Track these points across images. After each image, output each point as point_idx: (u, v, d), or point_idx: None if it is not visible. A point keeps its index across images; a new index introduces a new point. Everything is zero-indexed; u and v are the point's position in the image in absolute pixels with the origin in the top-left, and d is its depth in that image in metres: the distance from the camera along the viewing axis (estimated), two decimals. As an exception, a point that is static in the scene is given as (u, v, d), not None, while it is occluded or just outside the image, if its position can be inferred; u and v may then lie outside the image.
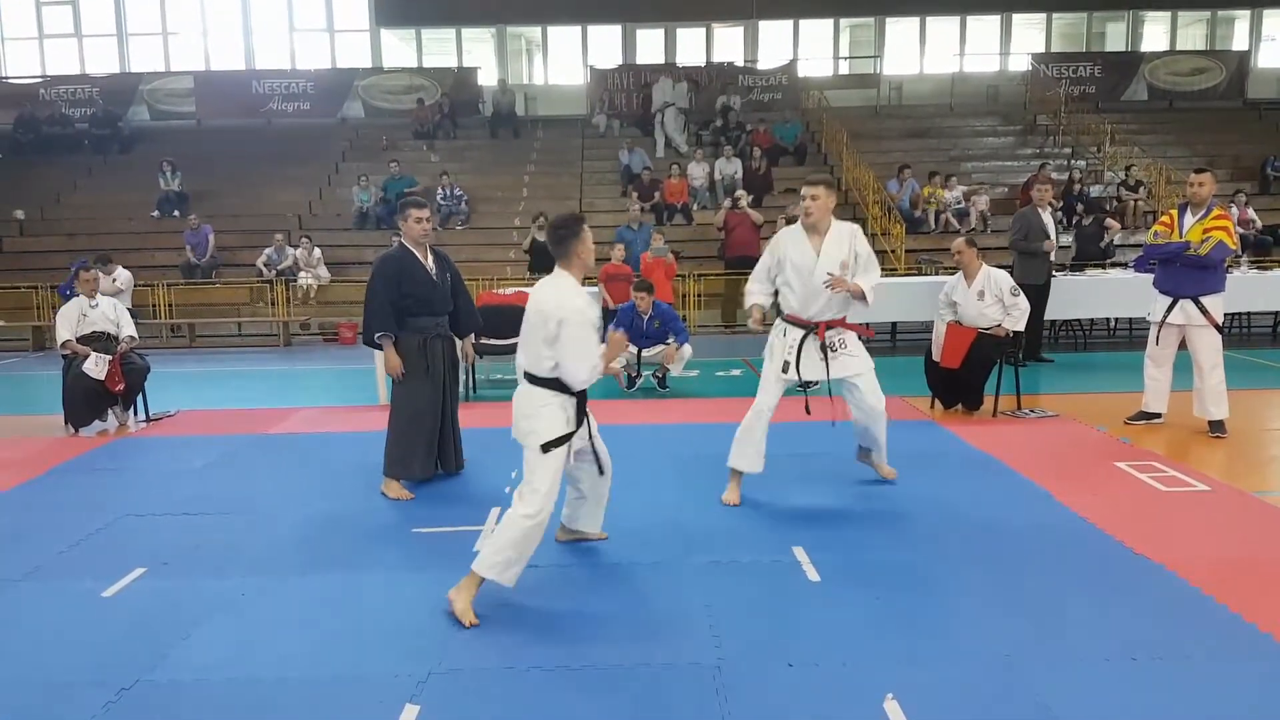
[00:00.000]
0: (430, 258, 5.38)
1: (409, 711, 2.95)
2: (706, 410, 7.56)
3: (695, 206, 15.12)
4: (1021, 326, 6.96)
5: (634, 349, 8.23)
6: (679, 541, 4.42)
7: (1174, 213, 6.44)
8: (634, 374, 8.39)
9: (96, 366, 7.01)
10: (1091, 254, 12.34)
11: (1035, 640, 3.34)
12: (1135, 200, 14.82)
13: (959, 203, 14.63)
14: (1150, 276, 6.65)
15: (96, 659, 3.35)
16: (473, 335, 5.88)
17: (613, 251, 10.44)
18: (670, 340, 8.16)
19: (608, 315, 9.66)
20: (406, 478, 5.35)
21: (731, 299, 12.91)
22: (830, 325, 4.89)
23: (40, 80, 19.57)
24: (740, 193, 13.09)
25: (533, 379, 3.80)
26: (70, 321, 7.23)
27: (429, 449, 5.43)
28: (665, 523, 4.70)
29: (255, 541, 4.56)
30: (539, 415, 3.75)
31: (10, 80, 19.99)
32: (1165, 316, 6.37)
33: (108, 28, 20.78)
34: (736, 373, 9.51)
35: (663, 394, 8.29)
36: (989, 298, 6.91)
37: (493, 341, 8.50)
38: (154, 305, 12.98)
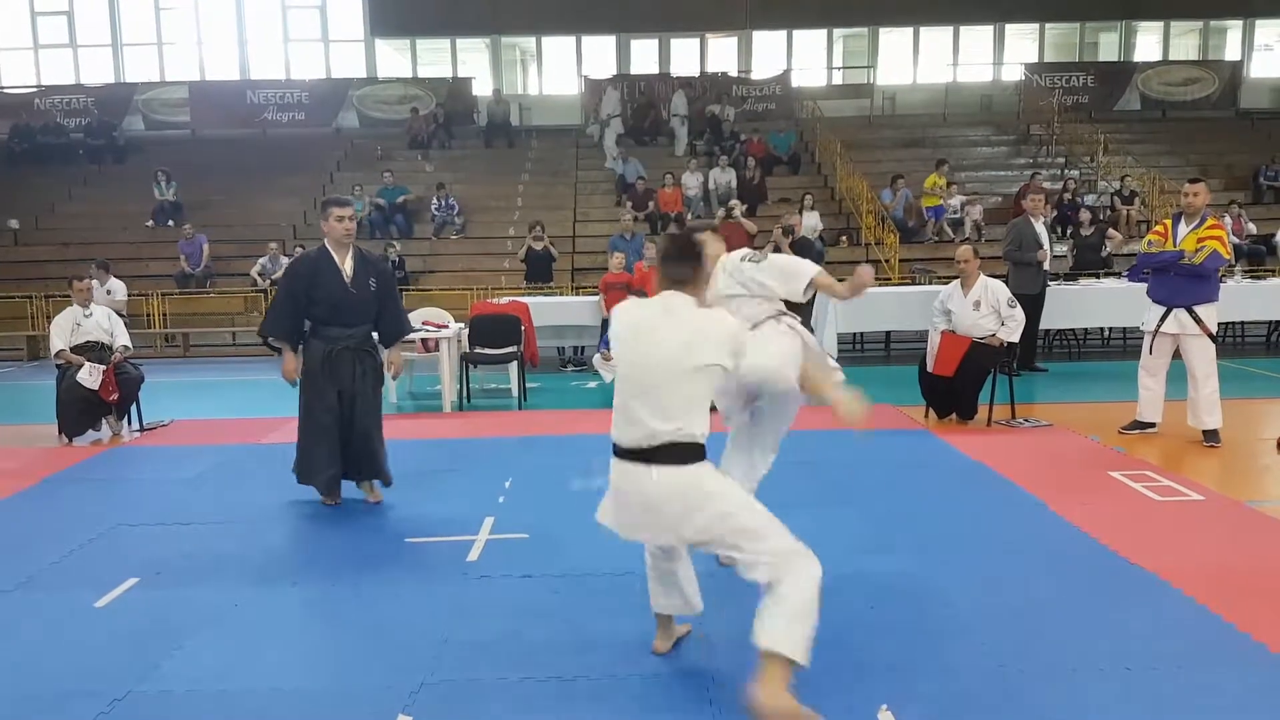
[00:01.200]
0: (350, 263, 5.07)
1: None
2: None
3: (690, 216, 15.13)
4: (1016, 338, 6.99)
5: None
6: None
7: (1168, 223, 6.46)
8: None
9: (90, 376, 6.99)
10: (1092, 263, 12.39)
11: (1029, 650, 3.33)
12: (1129, 210, 14.88)
13: (955, 211, 14.68)
14: (1144, 286, 6.67)
15: (88, 669, 3.33)
16: (399, 345, 5.49)
17: (610, 261, 10.45)
18: None
19: (605, 324, 9.67)
20: (311, 485, 5.22)
21: None
22: None
23: (35, 90, 19.57)
24: (734, 202, 13.11)
25: (676, 452, 2.91)
26: (64, 331, 7.22)
27: (329, 461, 5.13)
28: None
29: (248, 551, 4.54)
30: (718, 493, 2.94)
31: (5, 90, 19.98)
32: (1159, 326, 6.37)
33: (103, 38, 20.77)
34: (731, 382, 9.50)
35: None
36: (985, 308, 6.94)
37: (486, 351, 8.50)
38: (148, 315, 12.95)
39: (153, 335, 12.87)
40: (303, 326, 5.12)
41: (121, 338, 7.44)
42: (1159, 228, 6.55)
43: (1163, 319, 6.35)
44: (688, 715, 2.96)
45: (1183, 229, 6.30)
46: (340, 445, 5.15)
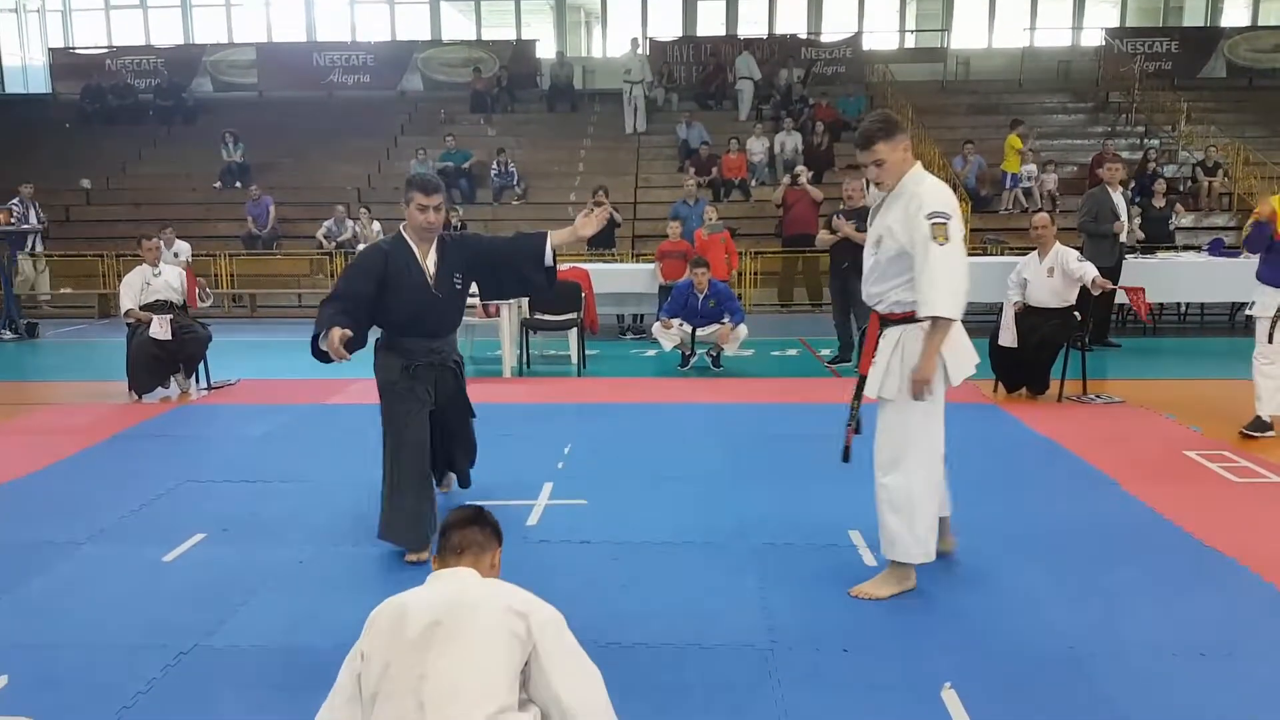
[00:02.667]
0: (433, 257, 4.05)
1: None
2: (761, 390, 7.48)
3: (754, 182, 14.93)
4: (1096, 272, 6.65)
5: (689, 327, 8.16)
6: (731, 521, 4.36)
7: (1278, 199, 5.82)
8: (688, 353, 8.32)
9: (161, 328, 7.15)
10: (1160, 236, 11.94)
11: (1099, 633, 3.22)
12: (1211, 182, 14.28)
13: (1030, 179, 14.25)
14: (1225, 260, 6.28)
15: (156, 622, 3.40)
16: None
17: (669, 227, 10.34)
18: (725, 320, 8.06)
19: (663, 292, 9.60)
20: (398, 544, 4.00)
21: (788, 277, 12.72)
22: (887, 319, 3.59)
23: (106, 51, 19.97)
24: (800, 168, 12.85)
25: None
26: (134, 290, 7.37)
27: (417, 518, 3.97)
28: (716, 503, 4.64)
29: (313, 510, 4.60)
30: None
31: (77, 51, 20.43)
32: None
33: None
34: (793, 352, 9.39)
35: (717, 373, 8.21)
36: (1058, 274, 6.73)
37: (546, 317, 8.49)
38: (216, 275, 13.21)
39: (220, 295, 13.12)
40: (363, 324, 3.97)
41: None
42: (1266, 206, 5.81)
43: None
44: (748, 686, 2.92)
45: None
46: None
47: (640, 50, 17.23)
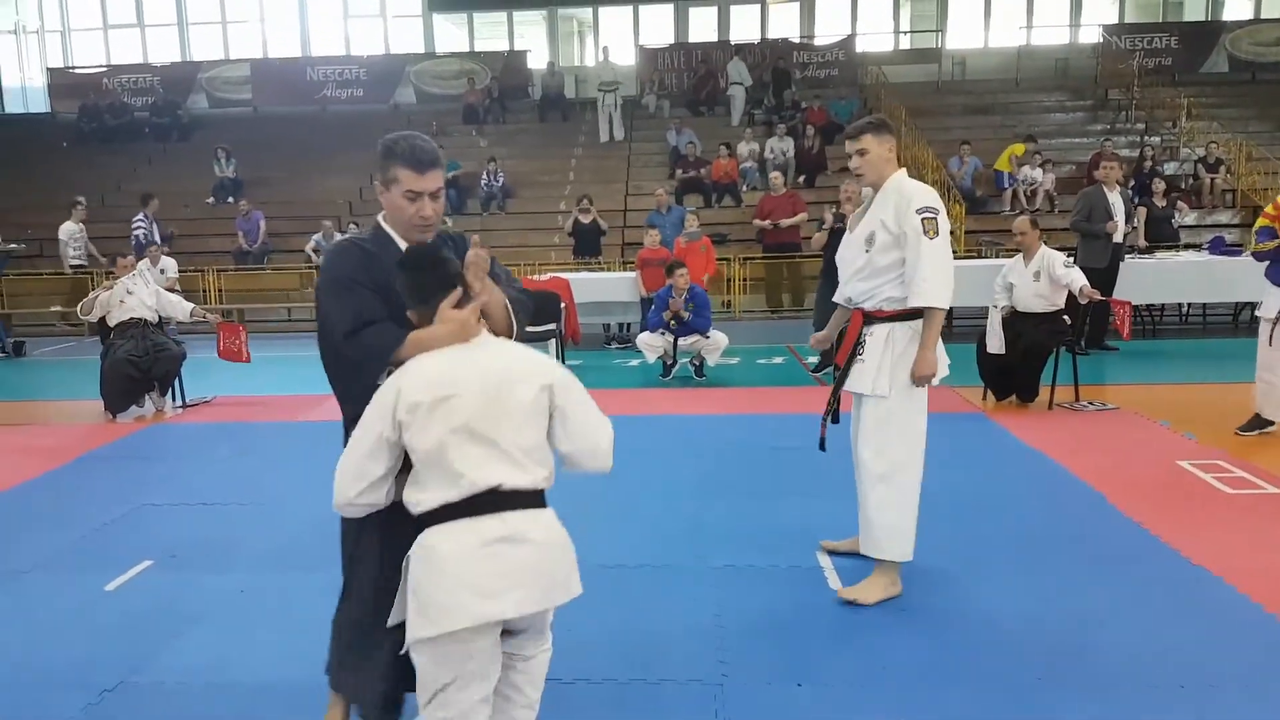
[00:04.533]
0: None
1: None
2: (741, 400, 7.31)
3: (744, 187, 14.77)
4: (1084, 279, 6.50)
5: (671, 337, 8.00)
6: (695, 542, 4.19)
7: None
8: (671, 362, 8.16)
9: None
10: (1163, 236, 11.71)
11: (1072, 662, 3.03)
12: (1213, 179, 14.04)
13: (1031, 184, 14.04)
14: (1225, 260, 6.10)
15: (86, 657, 3.26)
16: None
17: (646, 237, 10.20)
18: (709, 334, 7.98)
19: (645, 303, 9.44)
20: (356, 701, 2.59)
21: (774, 284, 12.65)
22: (874, 316, 3.58)
23: (104, 70, 19.98)
24: (775, 174, 12.90)
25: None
26: (103, 304, 7.27)
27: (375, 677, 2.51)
28: (685, 521, 4.48)
29: (265, 535, 4.46)
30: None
31: (76, 70, 20.45)
32: None
33: (169, 17, 21.15)
34: (779, 360, 9.21)
35: (699, 383, 8.04)
36: (1044, 279, 6.55)
37: (527, 329, 8.35)
38: (204, 291, 13.12)
39: (210, 311, 13.02)
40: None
41: (178, 311, 7.59)
42: (1271, 207, 5.69)
43: None
44: (690, 726, 2.75)
45: None
46: None
47: (610, 59, 17.11)
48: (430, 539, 2.15)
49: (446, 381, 2.17)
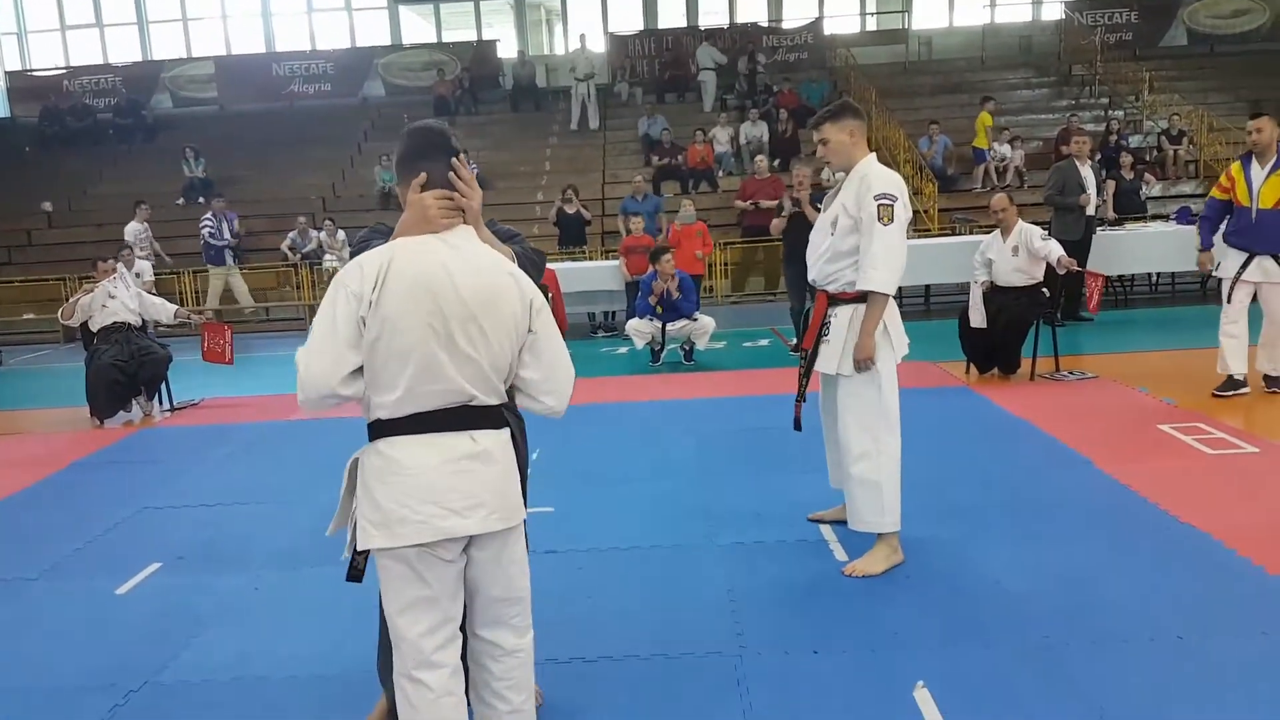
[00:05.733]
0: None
1: None
2: (731, 383, 7.40)
3: (720, 173, 14.83)
4: (1062, 251, 6.65)
5: (658, 323, 8.07)
6: (701, 522, 4.28)
7: (1235, 167, 5.97)
8: (659, 348, 8.23)
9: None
10: (1131, 208, 11.93)
11: (1075, 620, 3.16)
12: (1176, 150, 14.29)
13: (1003, 160, 14.21)
14: (1192, 229, 6.30)
15: (106, 661, 3.29)
16: None
17: (631, 224, 10.26)
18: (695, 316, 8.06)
19: (630, 288, 9.50)
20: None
21: (747, 266, 12.84)
22: (838, 299, 3.67)
23: (64, 71, 19.61)
24: (760, 157, 12.99)
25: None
26: (84, 309, 7.21)
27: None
28: (687, 503, 4.56)
29: (272, 533, 4.48)
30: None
31: (34, 73, 20.08)
32: (1239, 274, 5.89)
33: (129, 16, 20.79)
34: (764, 342, 9.31)
35: (689, 368, 8.12)
36: (1023, 253, 6.68)
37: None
38: (179, 293, 12.99)
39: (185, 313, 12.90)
40: None
41: (161, 313, 7.57)
42: (1224, 179, 6.03)
43: (1244, 266, 5.88)
44: (715, 696, 2.83)
45: (1257, 171, 5.81)
46: None
47: (586, 48, 17.07)
48: (395, 450, 2.09)
49: (427, 278, 2.06)
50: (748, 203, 12.48)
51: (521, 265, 2.34)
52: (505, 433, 2.21)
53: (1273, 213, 5.77)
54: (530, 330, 2.18)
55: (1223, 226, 6.11)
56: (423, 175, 2.17)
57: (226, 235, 12.86)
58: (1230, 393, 5.96)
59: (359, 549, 2.15)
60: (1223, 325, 5.99)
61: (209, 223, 12.72)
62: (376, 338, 2.05)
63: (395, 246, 2.13)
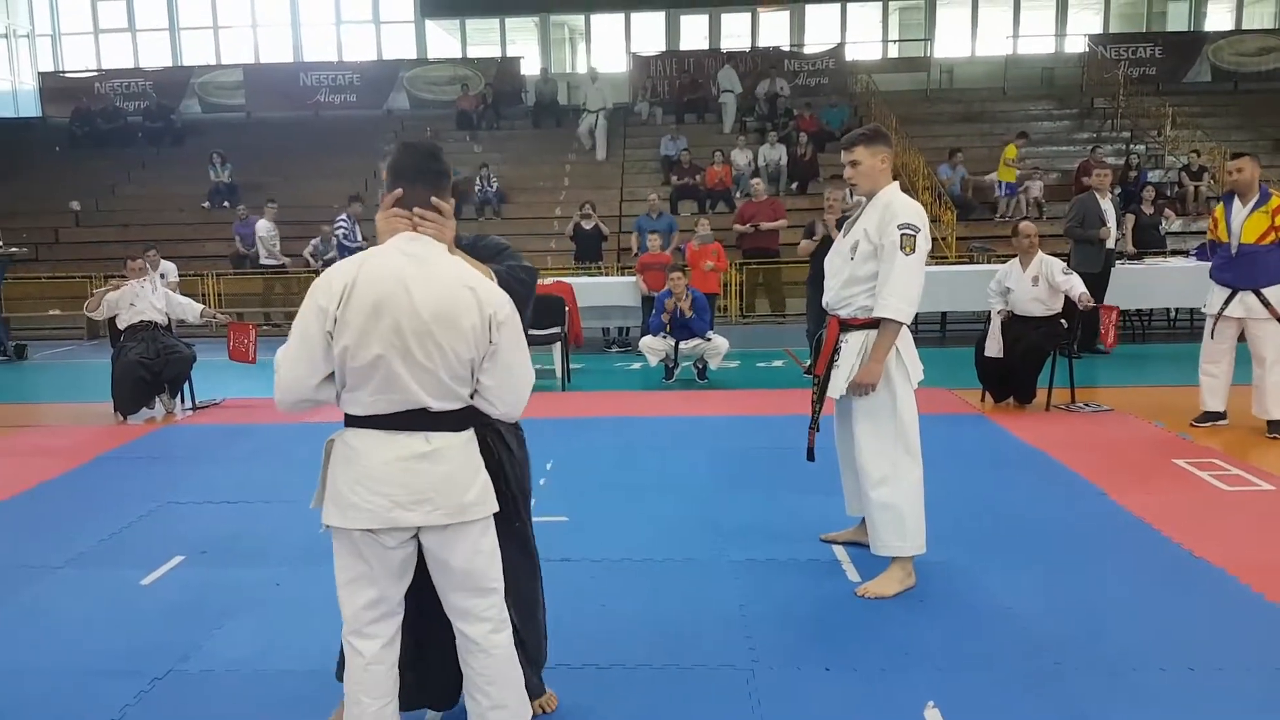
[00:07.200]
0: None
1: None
2: (745, 402, 7.46)
3: (738, 194, 14.94)
4: (1083, 287, 6.70)
5: (672, 340, 8.14)
6: (713, 537, 4.33)
7: (1220, 207, 6.15)
8: (673, 365, 8.29)
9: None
10: (1150, 242, 11.96)
11: (1086, 647, 3.18)
12: (1197, 186, 14.32)
13: (1024, 190, 14.29)
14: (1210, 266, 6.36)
15: (131, 647, 3.36)
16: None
17: (647, 241, 10.41)
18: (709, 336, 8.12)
19: (646, 303, 9.59)
20: None
21: (751, 288, 13.03)
22: (849, 324, 3.71)
23: (95, 74, 19.98)
24: (756, 180, 13.17)
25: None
26: (111, 305, 7.33)
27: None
28: (699, 518, 4.61)
29: (292, 530, 4.54)
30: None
31: (67, 74, 20.42)
32: (1223, 309, 6.05)
33: (160, 22, 21.14)
34: (778, 363, 9.37)
35: (702, 386, 8.18)
36: (1043, 283, 6.72)
37: (530, 332, 8.44)
38: (203, 295, 13.14)
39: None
40: None
41: (188, 312, 7.64)
42: (1211, 220, 6.26)
43: (1227, 302, 6.02)
44: (727, 708, 2.87)
45: (1239, 210, 5.95)
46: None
47: (598, 78, 17.24)
48: (355, 440, 2.29)
49: (387, 296, 2.18)
50: (747, 225, 12.62)
51: (505, 284, 2.42)
52: (463, 435, 2.33)
53: (1253, 248, 5.89)
54: (490, 342, 2.26)
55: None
56: (398, 192, 2.32)
57: (359, 237, 12.17)
58: (1207, 424, 6.17)
59: (323, 523, 2.37)
60: (1202, 364, 6.22)
61: (343, 224, 12.13)
62: (343, 349, 2.21)
63: (362, 261, 2.26)
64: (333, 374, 2.27)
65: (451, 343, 2.22)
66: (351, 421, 2.31)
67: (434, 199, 2.32)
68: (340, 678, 2.58)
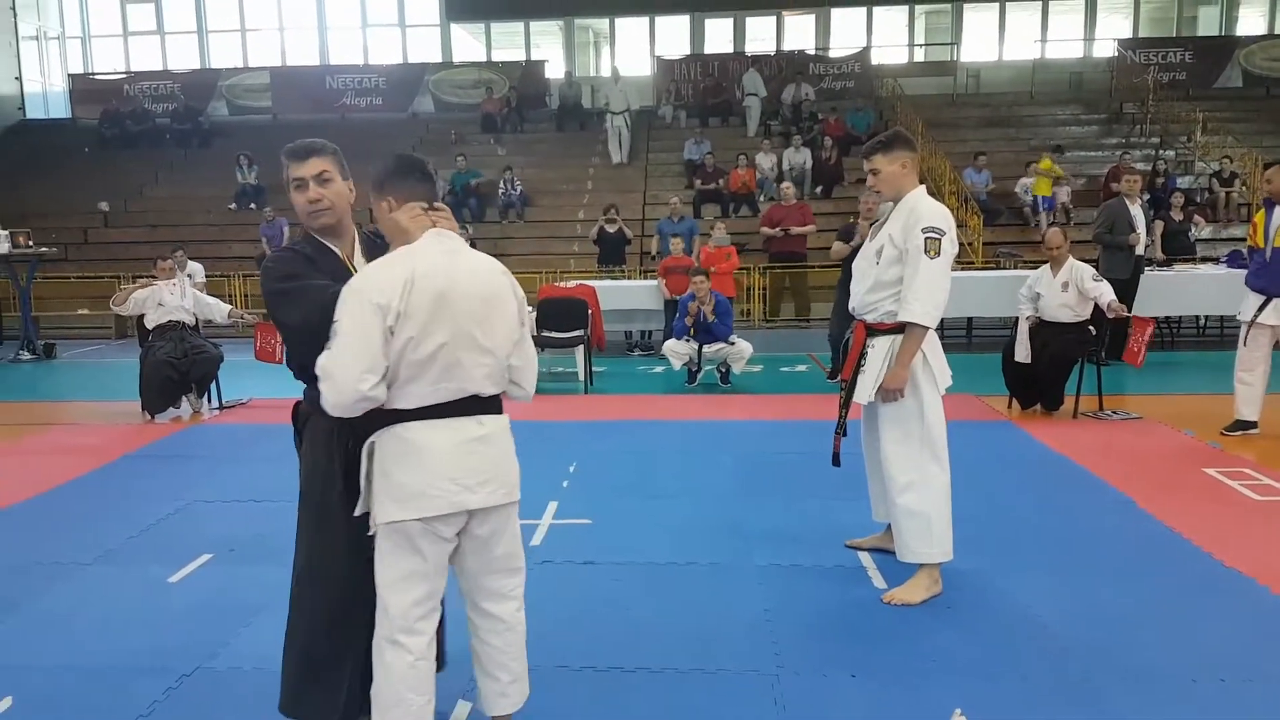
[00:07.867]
0: (360, 264, 2.68)
1: (461, 708, 2.93)
2: (768, 406, 7.43)
3: (762, 198, 14.91)
4: (1112, 295, 6.63)
5: (695, 344, 8.13)
6: (738, 541, 4.31)
7: (1260, 213, 6.08)
8: (696, 369, 8.28)
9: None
10: (1180, 249, 11.83)
11: (1115, 657, 3.15)
12: (1228, 193, 14.15)
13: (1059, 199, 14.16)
14: (1243, 273, 6.29)
15: (159, 644, 3.38)
16: None
17: (671, 244, 10.42)
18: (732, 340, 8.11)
19: (669, 307, 9.59)
20: None
21: (777, 292, 12.95)
22: (876, 329, 3.69)
23: (125, 76, 20.23)
24: (786, 184, 13.09)
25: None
26: (137, 302, 7.41)
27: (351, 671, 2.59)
28: (723, 522, 4.59)
29: (317, 531, 4.57)
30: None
31: (96, 76, 20.70)
32: (1256, 315, 5.98)
33: (189, 25, 21.39)
34: (802, 368, 9.33)
35: (725, 390, 8.17)
36: (1072, 289, 6.66)
37: (553, 334, 8.48)
38: (230, 296, 13.26)
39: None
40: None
41: (216, 313, 7.71)
42: (1251, 225, 6.19)
43: (1261, 308, 5.95)
44: (752, 713, 2.86)
45: (1277, 216, 5.91)
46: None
47: (621, 81, 17.25)
48: (408, 433, 2.33)
49: (448, 285, 2.29)
50: (776, 229, 12.53)
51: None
52: (504, 419, 2.49)
53: None
54: (521, 323, 2.48)
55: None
56: (416, 189, 2.46)
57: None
58: (1238, 432, 6.07)
59: (380, 522, 2.37)
60: (1237, 371, 6.12)
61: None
62: (406, 341, 2.26)
63: (410, 257, 2.33)
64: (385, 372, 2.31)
65: (503, 326, 2.40)
66: (399, 417, 2.34)
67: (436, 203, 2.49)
68: (290, 711, 2.69)
